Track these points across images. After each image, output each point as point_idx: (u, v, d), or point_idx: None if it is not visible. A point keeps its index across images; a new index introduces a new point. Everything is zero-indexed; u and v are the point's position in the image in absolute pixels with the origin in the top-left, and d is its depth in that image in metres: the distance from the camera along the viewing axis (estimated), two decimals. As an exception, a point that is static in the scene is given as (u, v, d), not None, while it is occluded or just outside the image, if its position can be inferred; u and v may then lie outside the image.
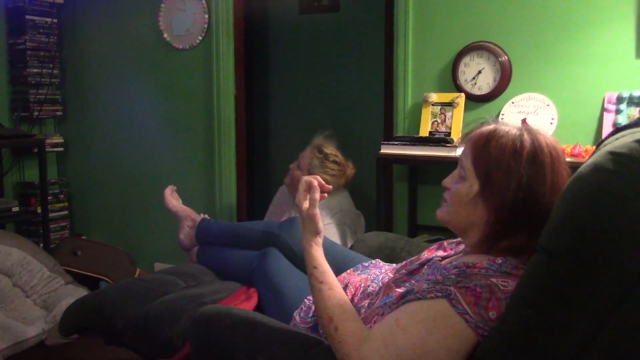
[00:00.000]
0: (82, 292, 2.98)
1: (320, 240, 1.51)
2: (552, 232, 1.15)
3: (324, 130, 3.08)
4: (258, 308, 1.91)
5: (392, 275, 1.62)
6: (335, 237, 2.81)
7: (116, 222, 3.96)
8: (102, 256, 3.54)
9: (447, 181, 1.46)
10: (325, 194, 1.52)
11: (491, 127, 1.39)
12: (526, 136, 1.34)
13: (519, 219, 1.31)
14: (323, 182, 1.51)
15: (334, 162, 2.98)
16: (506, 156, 1.32)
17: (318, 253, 1.49)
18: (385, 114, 3.18)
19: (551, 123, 2.64)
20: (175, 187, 2.63)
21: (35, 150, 3.69)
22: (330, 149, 3.00)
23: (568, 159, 1.44)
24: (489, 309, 1.21)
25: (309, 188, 1.50)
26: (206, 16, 3.45)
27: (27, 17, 3.73)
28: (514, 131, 1.36)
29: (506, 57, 2.75)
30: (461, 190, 1.39)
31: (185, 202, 2.59)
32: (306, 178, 1.51)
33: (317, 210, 1.49)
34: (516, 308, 1.17)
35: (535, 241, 1.20)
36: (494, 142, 1.35)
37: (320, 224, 1.49)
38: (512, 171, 1.31)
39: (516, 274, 1.28)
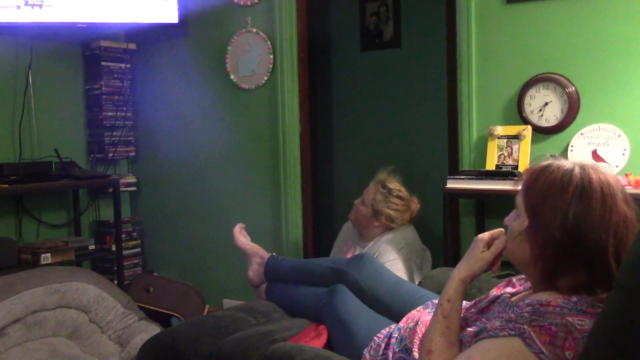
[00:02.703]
0: (154, 328, 3.04)
1: (470, 281, 1.48)
2: (631, 268, 1.12)
3: (388, 165, 3.09)
4: (328, 345, 1.92)
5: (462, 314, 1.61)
6: (401, 272, 2.79)
7: (186, 259, 4.04)
8: (173, 293, 3.62)
9: (507, 219, 1.46)
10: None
11: (546, 162, 1.38)
12: (577, 171, 1.32)
13: (569, 255, 1.29)
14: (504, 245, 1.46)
15: (398, 197, 2.97)
16: (552, 191, 1.31)
17: (460, 290, 1.45)
18: (450, 148, 3.17)
19: (623, 154, 2.57)
20: (244, 225, 2.69)
21: (110, 190, 3.84)
22: (394, 184, 3.00)
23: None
24: (565, 349, 1.19)
25: (497, 237, 1.47)
26: (271, 57, 3.55)
27: (103, 63, 3.89)
28: (567, 166, 1.34)
29: (573, 88, 2.70)
30: (515, 227, 1.39)
31: (252, 239, 2.64)
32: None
33: (491, 259, 1.46)
34: (594, 348, 1.14)
35: (598, 278, 1.16)
36: (542, 178, 1.34)
37: (483, 268, 1.47)
38: (558, 206, 1.29)
39: (592, 312, 1.25)
